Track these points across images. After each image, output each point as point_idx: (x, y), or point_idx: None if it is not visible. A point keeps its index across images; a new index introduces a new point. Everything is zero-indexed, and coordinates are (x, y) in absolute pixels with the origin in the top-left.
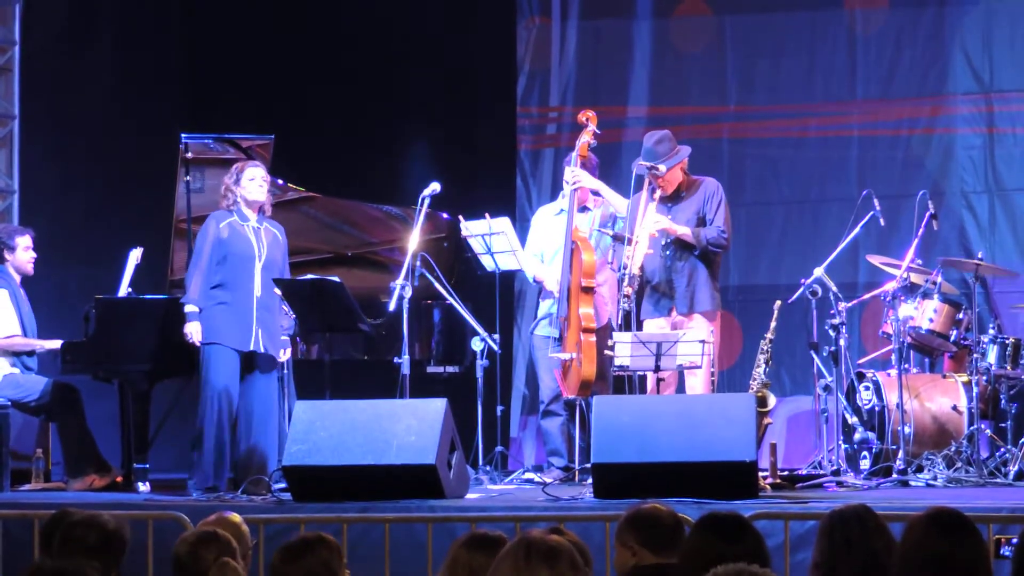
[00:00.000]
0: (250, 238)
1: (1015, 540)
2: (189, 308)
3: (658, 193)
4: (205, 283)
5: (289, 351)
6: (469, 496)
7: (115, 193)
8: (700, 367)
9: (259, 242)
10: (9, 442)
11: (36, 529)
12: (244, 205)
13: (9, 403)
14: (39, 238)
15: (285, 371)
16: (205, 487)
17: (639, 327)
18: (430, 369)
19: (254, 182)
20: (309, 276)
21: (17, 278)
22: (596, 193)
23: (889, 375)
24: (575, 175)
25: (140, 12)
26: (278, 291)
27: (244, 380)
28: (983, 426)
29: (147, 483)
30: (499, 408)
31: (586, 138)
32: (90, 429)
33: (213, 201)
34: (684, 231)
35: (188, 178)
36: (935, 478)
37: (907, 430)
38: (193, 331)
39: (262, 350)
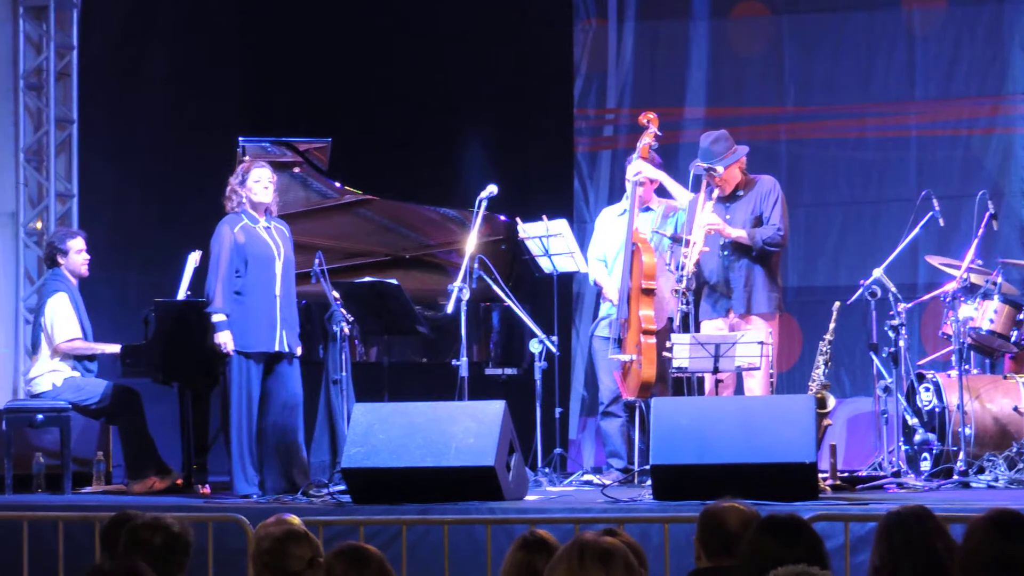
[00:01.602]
0: (266, 239)
1: None
2: (217, 318)
3: (716, 193)
4: (227, 289)
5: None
6: (528, 498)
7: (173, 196)
8: (758, 368)
9: (275, 242)
10: (70, 445)
11: (97, 531)
12: (250, 207)
13: (70, 406)
14: (98, 242)
15: (344, 373)
16: (242, 495)
17: (697, 328)
18: (488, 371)
19: (260, 184)
20: (368, 279)
21: (73, 281)
22: (659, 193)
23: (949, 376)
24: (637, 167)
25: (197, 15)
26: (336, 294)
27: (270, 377)
28: None
29: (207, 485)
30: (557, 410)
31: (647, 140)
32: (150, 432)
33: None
34: (739, 234)
35: None
36: (996, 479)
37: (968, 431)
38: (225, 340)
39: (286, 350)
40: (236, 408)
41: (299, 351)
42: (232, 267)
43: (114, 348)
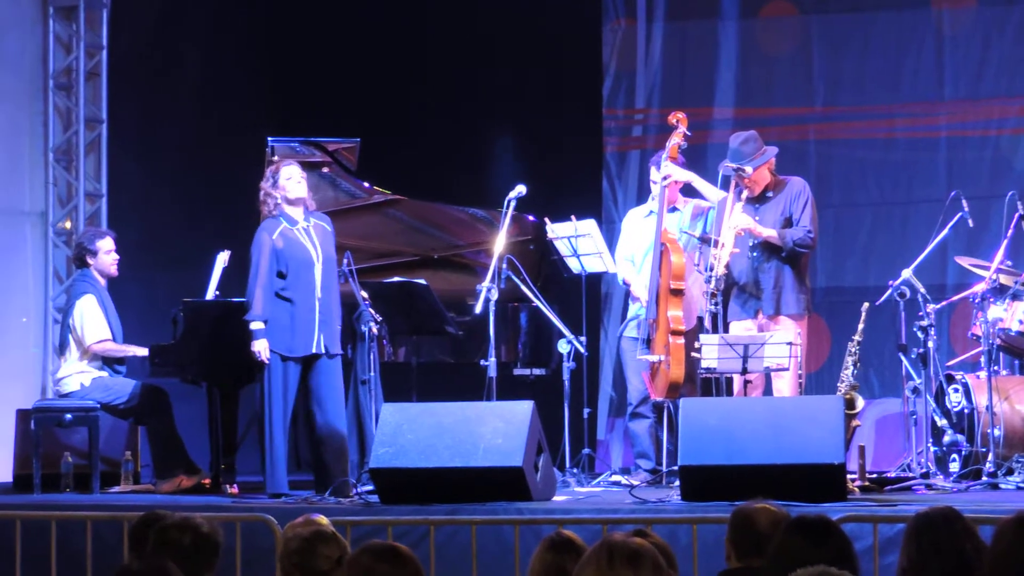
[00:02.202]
0: (304, 243)
1: None
2: (255, 325)
3: (745, 194)
4: (267, 296)
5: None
6: (556, 498)
7: (202, 196)
8: (787, 369)
9: (313, 244)
10: (99, 444)
11: (125, 531)
12: (287, 206)
13: (99, 406)
14: (127, 242)
15: (372, 373)
16: (276, 493)
17: (726, 329)
18: (517, 371)
19: (291, 180)
20: (396, 279)
21: (102, 281)
22: (686, 193)
23: (978, 377)
24: (666, 169)
25: (226, 15)
26: (364, 294)
27: (308, 379)
28: None
29: (235, 485)
30: (586, 410)
31: (676, 139)
32: (178, 431)
33: None
34: (769, 233)
35: None
36: None
37: (997, 433)
38: (261, 349)
39: (323, 351)
40: (271, 409)
41: (337, 349)
42: (272, 273)
43: (142, 351)
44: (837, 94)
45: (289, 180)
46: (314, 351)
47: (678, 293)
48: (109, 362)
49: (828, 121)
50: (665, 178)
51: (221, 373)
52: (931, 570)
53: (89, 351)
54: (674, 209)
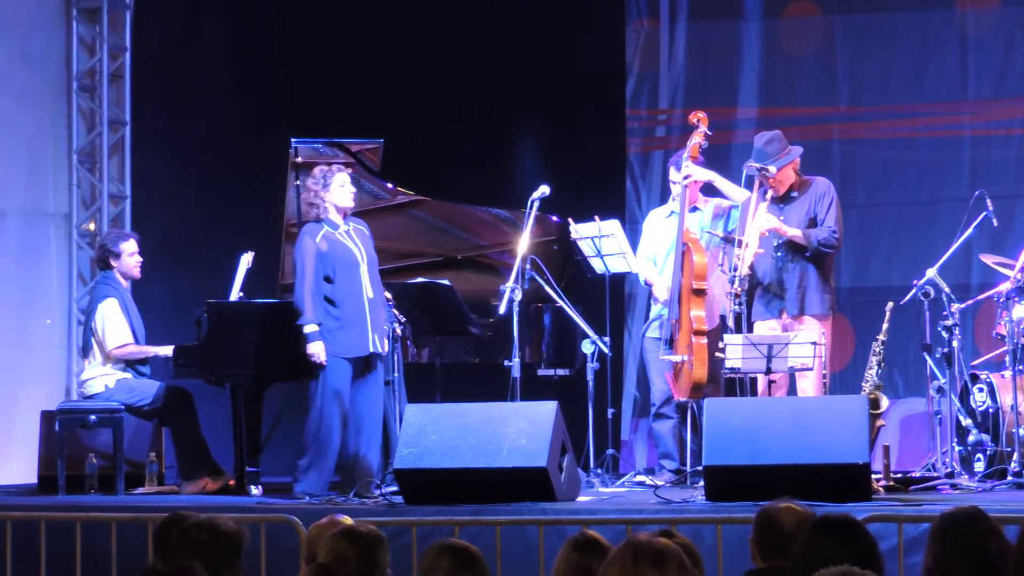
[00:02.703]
0: (348, 244)
1: None
2: (309, 328)
3: (770, 194)
4: (316, 299)
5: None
6: (580, 499)
7: (226, 198)
8: (811, 369)
9: (356, 245)
10: (123, 446)
11: (150, 532)
12: (333, 211)
13: (123, 407)
14: (151, 243)
15: (396, 374)
16: (314, 493)
17: (750, 329)
18: (541, 372)
19: (344, 188)
20: (419, 279)
21: (125, 284)
22: (707, 192)
23: (1003, 376)
24: (686, 170)
25: (248, 17)
26: (388, 294)
27: (354, 382)
28: None
29: (259, 486)
30: (610, 411)
31: (697, 139)
32: (203, 433)
33: None
34: (795, 232)
35: (298, 182)
36: None
37: (1022, 432)
38: (317, 352)
39: (378, 350)
40: (322, 411)
41: (385, 346)
42: (319, 276)
43: (167, 350)
44: (861, 94)
45: (342, 188)
46: (370, 351)
47: (700, 293)
48: (133, 363)
49: (852, 121)
50: (686, 178)
51: (245, 374)
52: (956, 570)
53: (112, 356)
54: (695, 209)
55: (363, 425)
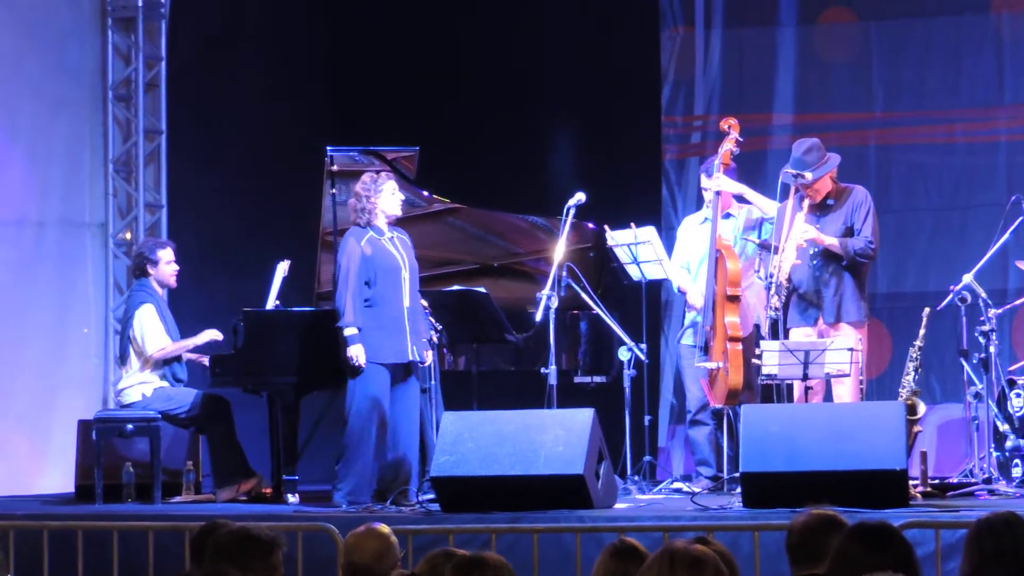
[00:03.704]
0: (391, 251)
1: None
2: (349, 331)
3: (806, 202)
4: (357, 302)
5: (430, 354)
6: (617, 506)
7: (262, 206)
8: (848, 375)
9: (400, 253)
10: (160, 454)
11: (187, 541)
12: (381, 218)
13: (160, 416)
14: (187, 252)
15: (432, 382)
16: (354, 500)
17: (786, 336)
18: (577, 379)
19: (395, 196)
20: (456, 287)
21: (161, 292)
22: (740, 199)
23: None
24: (715, 182)
25: (284, 25)
26: (424, 302)
27: (392, 390)
28: None
29: (296, 495)
30: (647, 418)
31: (728, 146)
32: (239, 441)
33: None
34: (832, 241)
35: (334, 191)
36: None
37: None
38: (357, 354)
39: (417, 359)
40: (360, 417)
41: (429, 357)
42: (361, 280)
43: (204, 338)
44: (896, 99)
45: (393, 196)
46: (409, 359)
47: (734, 299)
48: (170, 367)
49: (888, 126)
50: (716, 192)
51: (282, 382)
52: (993, 575)
53: (151, 360)
54: (728, 215)
55: (400, 434)
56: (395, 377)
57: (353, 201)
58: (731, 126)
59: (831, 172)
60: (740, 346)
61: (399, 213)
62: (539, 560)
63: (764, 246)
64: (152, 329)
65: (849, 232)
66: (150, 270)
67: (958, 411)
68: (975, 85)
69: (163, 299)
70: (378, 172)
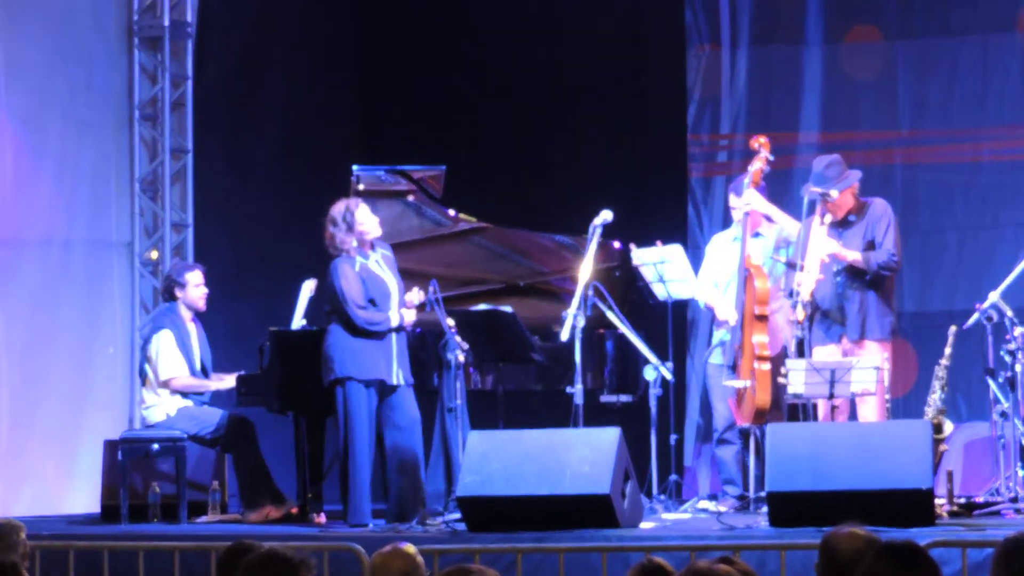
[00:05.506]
0: (381, 275)
1: None
2: (395, 322)
3: (828, 218)
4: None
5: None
6: (643, 525)
7: (288, 225)
8: (874, 394)
9: (386, 272)
10: (186, 474)
11: (213, 561)
12: (362, 244)
13: (186, 436)
14: (213, 271)
15: (459, 401)
16: (359, 523)
17: (810, 354)
18: (603, 398)
19: (370, 221)
20: (482, 307)
21: (188, 315)
22: (768, 218)
23: None
24: (747, 197)
25: (311, 45)
26: (451, 321)
27: (383, 407)
28: None
29: (322, 514)
30: (673, 437)
31: (759, 164)
32: (265, 461)
33: (386, 233)
34: (855, 256)
35: None
36: None
37: None
38: (408, 315)
39: (402, 383)
40: (356, 436)
41: (411, 379)
42: (365, 298)
43: (222, 384)
44: (923, 118)
45: (367, 222)
46: (393, 382)
47: (763, 319)
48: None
49: (914, 145)
50: (746, 204)
51: (307, 402)
52: None
53: (166, 386)
54: (758, 234)
55: (404, 460)
56: (385, 397)
57: (330, 241)
58: (762, 144)
59: (852, 188)
60: (768, 365)
61: (379, 233)
62: None
63: (790, 265)
64: (167, 356)
65: (871, 246)
66: (178, 293)
67: (984, 430)
68: (1001, 104)
69: (193, 321)
70: (342, 202)
